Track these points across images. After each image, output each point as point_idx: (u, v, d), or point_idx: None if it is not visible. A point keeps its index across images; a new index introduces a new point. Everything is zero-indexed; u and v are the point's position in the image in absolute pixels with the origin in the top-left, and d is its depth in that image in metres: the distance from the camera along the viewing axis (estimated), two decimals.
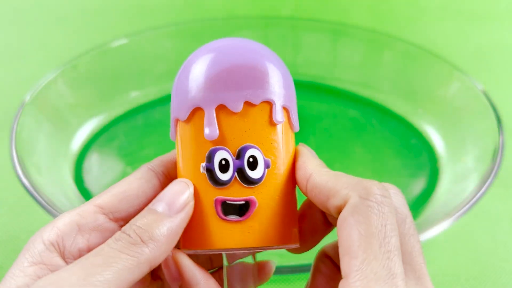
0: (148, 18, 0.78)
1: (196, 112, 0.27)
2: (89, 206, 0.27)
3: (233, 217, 0.27)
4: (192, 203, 0.27)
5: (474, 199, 0.42)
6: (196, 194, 0.27)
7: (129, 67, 0.62)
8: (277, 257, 0.41)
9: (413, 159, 0.54)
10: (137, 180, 0.28)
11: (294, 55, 0.66)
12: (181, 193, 0.27)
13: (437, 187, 0.50)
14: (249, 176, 0.27)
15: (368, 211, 0.23)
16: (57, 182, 0.48)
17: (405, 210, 0.26)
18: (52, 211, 0.39)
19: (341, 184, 0.25)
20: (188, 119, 0.27)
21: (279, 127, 0.28)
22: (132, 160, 0.54)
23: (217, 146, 0.27)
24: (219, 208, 0.27)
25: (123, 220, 0.27)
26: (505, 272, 0.43)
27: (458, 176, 0.49)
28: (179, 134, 0.28)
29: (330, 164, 0.53)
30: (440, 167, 0.52)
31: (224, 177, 0.27)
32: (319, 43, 0.65)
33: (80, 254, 0.26)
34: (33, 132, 0.51)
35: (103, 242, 0.25)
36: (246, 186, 0.27)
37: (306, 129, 0.58)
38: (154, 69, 0.63)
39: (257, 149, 0.27)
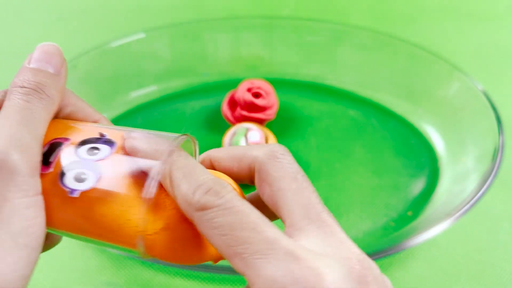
0: (147, 18, 0.78)
1: None
2: None
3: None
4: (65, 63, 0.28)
5: (474, 199, 0.42)
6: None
7: (129, 67, 0.62)
8: None
9: (413, 159, 0.54)
10: None
11: (295, 55, 0.66)
12: (56, 54, 0.28)
13: (437, 187, 0.50)
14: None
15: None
16: None
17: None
18: None
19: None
20: None
21: None
22: None
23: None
24: None
25: None
26: (505, 272, 0.43)
27: (458, 176, 0.49)
28: None
29: (330, 164, 0.54)
30: (440, 167, 0.52)
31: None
32: (319, 43, 0.65)
33: None
34: None
35: None
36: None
37: (306, 129, 0.58)
38: (154, 69, 0.63)
39: None
